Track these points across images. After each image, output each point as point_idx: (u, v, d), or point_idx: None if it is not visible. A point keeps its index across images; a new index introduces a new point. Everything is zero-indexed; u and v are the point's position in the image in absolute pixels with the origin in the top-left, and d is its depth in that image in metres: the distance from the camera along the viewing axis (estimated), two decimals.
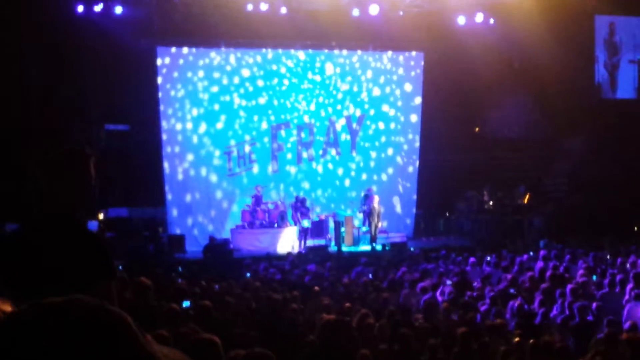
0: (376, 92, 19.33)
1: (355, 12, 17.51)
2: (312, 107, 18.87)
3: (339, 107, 19.10)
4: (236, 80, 18.40)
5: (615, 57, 20.84)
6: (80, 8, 16.35)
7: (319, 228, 17.34)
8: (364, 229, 17.31)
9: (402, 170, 19.53)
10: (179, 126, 18.01)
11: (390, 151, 19.47)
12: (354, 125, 19.23)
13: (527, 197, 19.15)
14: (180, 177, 17.96)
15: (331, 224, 17.26)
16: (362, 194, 17.76)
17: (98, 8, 16.39)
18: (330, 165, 19.05)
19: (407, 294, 9.47)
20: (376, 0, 17.26)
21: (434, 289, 9.50)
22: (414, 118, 19.55)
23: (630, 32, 20.84)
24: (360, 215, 17.54)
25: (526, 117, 19.87)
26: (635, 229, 17.71)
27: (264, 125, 18.52)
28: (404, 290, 9.62)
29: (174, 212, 17.82)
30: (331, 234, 17.13)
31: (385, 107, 19.40)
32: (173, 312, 5.77)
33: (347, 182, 19.08)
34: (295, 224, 16.90)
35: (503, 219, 18.46)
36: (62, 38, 16.09)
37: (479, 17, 18.16)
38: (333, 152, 19.05)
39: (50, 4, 16.18)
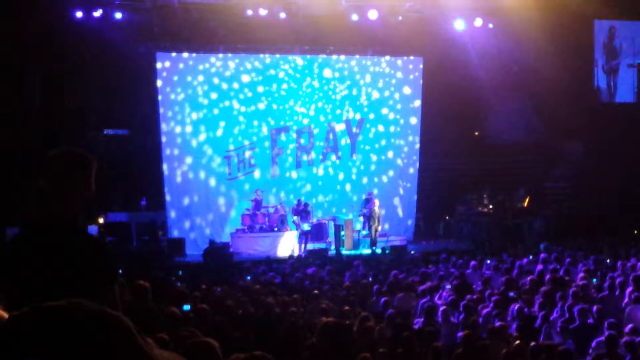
0: (375, 95, 19.36)
1: (354, 17, 17.52)
2: (312, 112, 18.89)
3: (338, 111, 19.12)
4: (236, 85, 18.43)
5: (615, 61, 20.87)
6: (79, 14, 16.38)
7: (319, 231, 17.32)
8: (364, 232, 17.30)
9: (403, 171, 19.54)
10: (178, 129, 18.03)
11: (390, 154, 19.48)
12: (354, 129, 19.25)
13: (527, 200, 19.16)
14: (179, 179, 17.97)
15: (331, 228, 17.26)
16: (363, 197, 17.77)
17: (97, 14, 16.43)
18: (330, 170, 19.06)
19: (401, 298, 9.45)
20: (375, 5, 17.29)
21: (432, 292, 9.48)
22: (414, 120, 19.57)
23: (630, 37, 20.87)
24: (361, 219, 17.53)
25: (526, 121, 19.84)
26: (635, 232, 17.68)
27: (264, 130, 18.54)
28: (398, 294, 9.58)
29: (172, 214, 17.84)
30: (331, 238, 17.12)
31: (384, 110, 19.42)
32: (173, 315, 5.78)
33: (347, 187, 19.08)
34: (297, 229, 16.90)
35: (503, 222, 18.45)
36: (62, 43, 16.11)
37: (478, 22, 18.15)
38: (333, 157, 19.06)
39: (50, 10, 16.19)
